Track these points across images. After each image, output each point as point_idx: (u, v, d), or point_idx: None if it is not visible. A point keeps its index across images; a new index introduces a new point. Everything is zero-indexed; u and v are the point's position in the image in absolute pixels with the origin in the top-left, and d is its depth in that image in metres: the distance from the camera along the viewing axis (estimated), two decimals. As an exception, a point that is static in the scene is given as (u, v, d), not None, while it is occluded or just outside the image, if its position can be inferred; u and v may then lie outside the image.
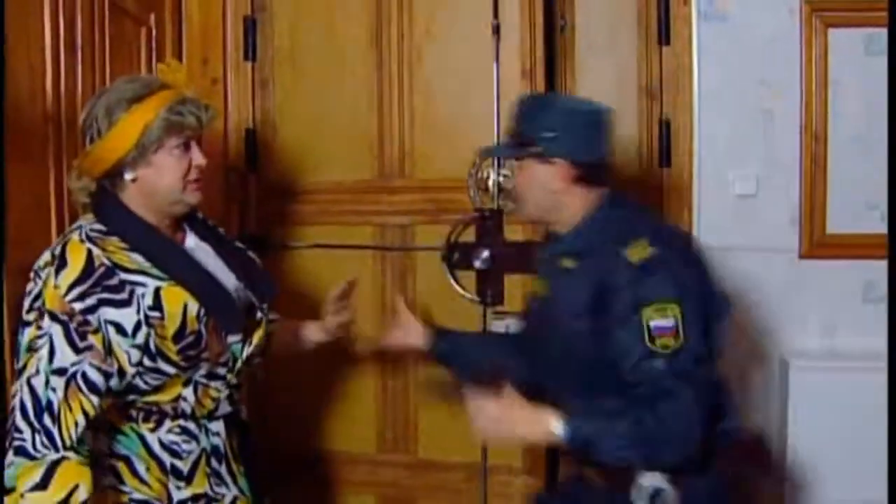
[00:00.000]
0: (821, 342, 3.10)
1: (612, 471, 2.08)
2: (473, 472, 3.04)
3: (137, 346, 2.03)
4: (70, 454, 1.91)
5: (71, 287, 1.99)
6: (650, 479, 2.09)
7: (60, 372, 1.94)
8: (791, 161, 3.07)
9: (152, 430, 2.17)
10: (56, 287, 1.98)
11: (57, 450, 1.90)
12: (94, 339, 1.98)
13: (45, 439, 1.90)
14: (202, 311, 2.09)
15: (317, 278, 3.07)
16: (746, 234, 3.10)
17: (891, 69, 2.67)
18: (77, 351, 1.96)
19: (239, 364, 2.22)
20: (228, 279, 2.22)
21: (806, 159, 3.05)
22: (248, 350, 2.23)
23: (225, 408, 2.25)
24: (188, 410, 2.18)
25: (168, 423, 2.18)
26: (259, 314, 2.27)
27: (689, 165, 3.10)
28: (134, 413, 2.16)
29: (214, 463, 2.24)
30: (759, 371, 3.13)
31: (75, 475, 1.91)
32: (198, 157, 2.14)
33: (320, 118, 3.18)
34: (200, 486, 2.22)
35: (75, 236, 2.06)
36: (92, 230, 2.08)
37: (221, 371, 2.20)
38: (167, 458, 2.18)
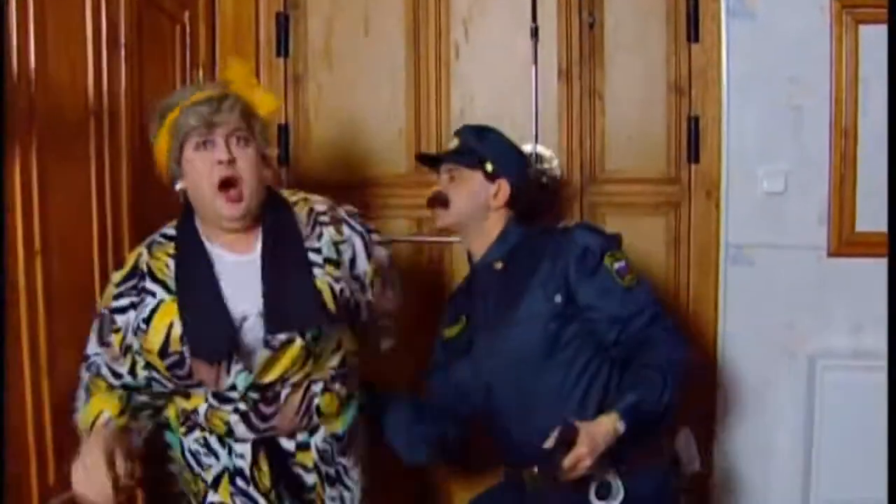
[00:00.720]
0: (848, 341, 3.08)
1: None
2: None
3: (138, 353, 2.13)
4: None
5: (116, 286, 2.17)
6: (601, 474, 2.24)
7: (86, 358, 2.18)
8: (820, 158, 3.05)
9: (184, 435, 2.24)
10: (110, 284, 2.19)
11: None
12: (113, 338, 2.13)
13: (82, 393, 2.18)
14: (184, 334, 2.09)
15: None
16: (775, 232, 3.09)
17: (891, 68, 2.68)
18: (101, 344, 2.17)
19: (239, 392, 2.13)
20: (243, 304, 2.11)
21: (835, 157, 3.03)
22: (246, 380, 2.12)
23: (243, 432, 2.18)
24: (205, 426, 2.21)
25: (197, 433, 2.23)
26: (275, 342, 2.12)
27: (718, 162, 3.08)
28: (178, 413, 2.24)
29: (240, 483, 2.22)
30: (785, 369, 3.12)
31: (99, 404, 2.14)
32: (220, 153, 2.08)
33: (354, 114, 3.21)
34: (225, 496, 2.24)
35: (148, 238, 2.22)
36: (163, 234, 2.22)
37: (231, 395, 2.15)
38: (193, 464, 2.25)
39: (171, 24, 2.85)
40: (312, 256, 2.18)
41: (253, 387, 2.13)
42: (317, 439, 2.24)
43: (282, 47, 3.23)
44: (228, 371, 2.11)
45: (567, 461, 2.08)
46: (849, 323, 3.08)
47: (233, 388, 2.14)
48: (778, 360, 3.12)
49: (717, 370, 3.14)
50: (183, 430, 2.25)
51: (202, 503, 2.27)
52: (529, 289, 2.40)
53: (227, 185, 2.09)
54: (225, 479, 2.23)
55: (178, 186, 2.16)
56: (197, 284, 2.12)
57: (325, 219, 2.25)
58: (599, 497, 2.23)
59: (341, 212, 2.31)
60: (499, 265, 2.50)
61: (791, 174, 3.06)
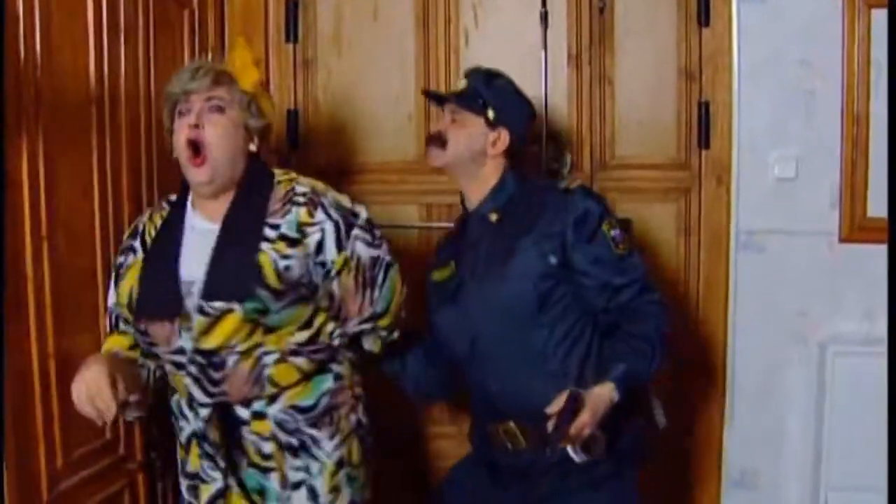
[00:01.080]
0: (859, 327, 3.07)
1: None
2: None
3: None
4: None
5: (122, 243, 2.35)
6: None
7: (107, 309, 2.36)
8: (832, 143, 3.03)
9: (170, 398, 2.37)
10: None
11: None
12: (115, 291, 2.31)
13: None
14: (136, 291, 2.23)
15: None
16: (786, 218, 3.07)
17: (891, 68, 2.70)
18: (115, 293, 2.31)
19: (186, 356, 2.20)
20: (194, 270, 2.18)
21: (847, 142, 3.01)
22: (190, 342, 2.18)
23: (199, 396, 2.24)
24: (175, 389, 2.32)
25: (176, 396, 2.34)
26: (210, 309, 2.16)
27: (728, 148, 3.07)
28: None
29: (207, 447, 2.27)
30: (796, 356, 3.11)
31: (111, 343, 2.30)
32: (191, 118, 2.18)
33: (364, 99, 3.21)
34: (194, 465, 2.31)
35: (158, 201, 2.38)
36: (167, 199, 2.36)
37: (178, 359, 2.22)
38: (176, 429, 2.38)
39: (179, 9, 2.84)
40: (267, 231, 2.21)
41: (198, 351, 2.19)
42: (274, 409, 2.25)
43: (291, 32, 3.22)
44: (179, 333, 2.18)
45: (574, 428, 2.13)
46: (860, 309, 3.07)
47: (182, 351, 2.20)
48: (789, 347, 3.12)
49: (728, 357, 3.14)
50: (170, 393, 2.36)
51: (183, 470, 2.36)
52: (524, 245, 2.38)
53: (194, 148, 2.18)
54: (194, 443, 2.30)
55: (174, 155, 2.24)
56: (161, 249, 2.24)
57: (300, 199, 2.26)
58: (585, 451, 2.24)
59: (324, 198, 2.30)
60: (494, 217, 2.47)
61: (802, 159, 3.05)
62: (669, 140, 3.12)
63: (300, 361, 2.26)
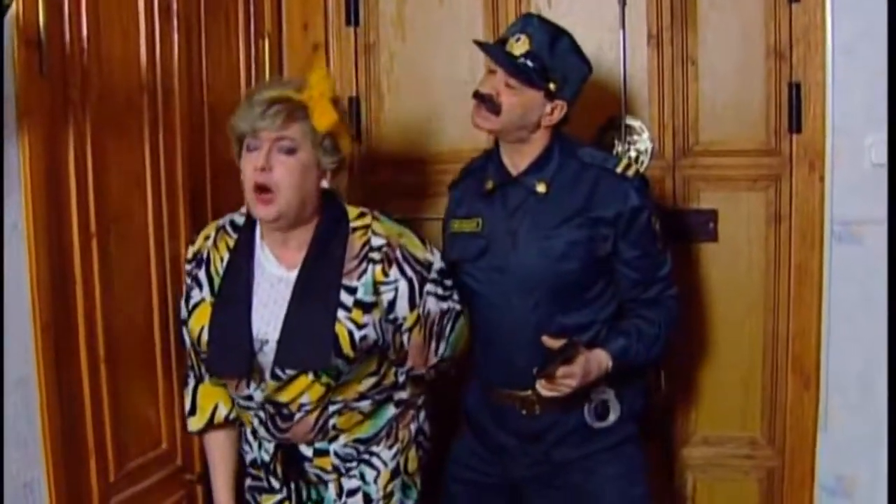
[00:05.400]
0: (963, 322, 2.88)
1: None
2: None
3: None
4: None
5: (187, 262, 2.33)
6: (598, 394, 2.41)
7: (181, 320, 2.31)
8: (935, 126, 2.84)
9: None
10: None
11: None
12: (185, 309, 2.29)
13: (188, 361, 2.36)
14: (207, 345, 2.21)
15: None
16: (884, 207, 2.86)
17: (891, 67, 2.60)
18: (186, 312, 2.29)
19: (255, 402, 2.23)
20: (267, 327, 2.18)
21: (951, 124, 2.82)
22: (260, 394, 2.21)
23: (266, 435, 2.28)
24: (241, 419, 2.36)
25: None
26: (283, 374, 2.18)
27: (821, 132, 2.90)
28: None
29: (269, 475, 2.34)
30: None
31: (211, 396, 2.32)
32: (259, 160, 2.11)
33: (430, 86, 3.11)
34: (259, 472, 2.38)
35: (221, 220, 2.33)
36: (232, 222, 2.32)
37: (247, 403, 2.25)
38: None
39: (233, -8, 2.78)
40: (344, 297, 2.19)
41: (268, 401, 2.22)
42: (336, 445, 2.29)
43: (352, 15, 3.12)
44: (247, 384, 2.22)
45: (561, 371, 2.23)
46: (964, 303, 2.87)
47: (251, 398, 2.24)
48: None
49: (822, 356, 2.97)
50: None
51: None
52: (574, 224, 2.38)
53: (261, 190, 2.14)
54: (258, 464, 2.37)
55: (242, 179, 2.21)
56: (233, 298, 2.21)
57: (375, 256, 2.23)
58: (598, 417, 2.39)
59: (399, 252, 2.26)
60: (541, 188, 2.42)
61: (903, 143, 2.86)
62: (758, 124, 2.96)
63: (364, 405, 2.29)
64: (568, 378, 2.25)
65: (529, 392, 2.37)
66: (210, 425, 2.32)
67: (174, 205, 2.39)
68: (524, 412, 2.44)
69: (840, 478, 3.02)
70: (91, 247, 2.08)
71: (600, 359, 2.32)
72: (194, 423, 2.33)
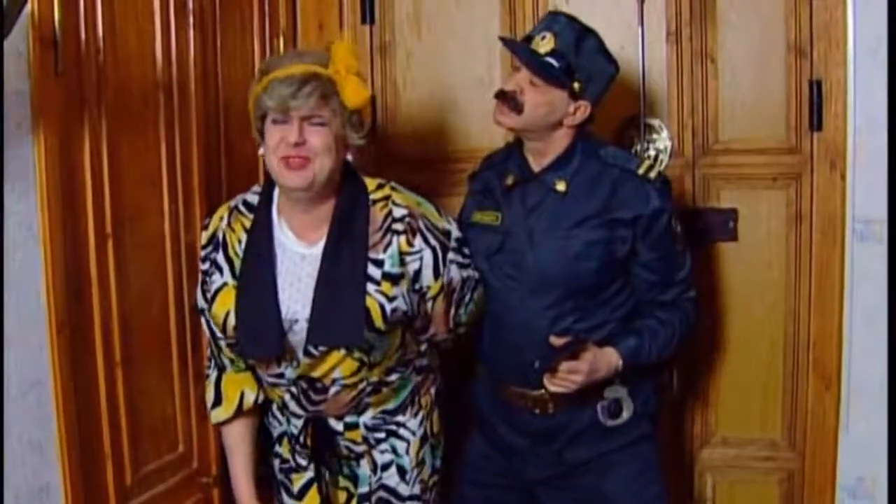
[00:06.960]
0: None
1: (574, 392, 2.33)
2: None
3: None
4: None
5: (202, 248, 2.31)
6: (612, 392, 2.40)
7: (200, 310, 2.30)
8: (960, 124, 2.81)
9: (266, 397, 2.39)
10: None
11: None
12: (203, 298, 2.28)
13: (208, 352, 2.38)
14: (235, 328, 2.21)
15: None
16: (908, 204, 2.86)
17: (891, 66, 2.57)
18: (205, 302, 2.28)
19: (288, 380, 2.24)
20: (295, 306, 2.19)
21: (975, 122, 2.79)
22: (293, 372, 2.22)
23: (294, 409, 2.31)
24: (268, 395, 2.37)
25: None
26: (315, 351, 2.20)
27: (843, 130, 2.85)
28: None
29: (298, 447, 2.34)
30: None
31: (237, 382, 2.32)
32: (291, 135, 2.10)
33: (446, 84, 3.07)
34: (286, 453, 2.39)
35: (233, 201, 2.32)
36: (245, 201, 2.30)
37: (279, 381, 2.27)
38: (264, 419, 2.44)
39: (248, -11, 2.76)
40: (371, 270, 2.20)
41: (302, 377, 2.24)
42: (365, 417, 2.34)
43: (367, 13, 3.10)
44: (279, 363, 2.23)
45: (565, 366, 2.25)
46: None
47: (283, 376, 2.25)
48: (908, 346, 2.90)
49: (844, 356, 2.92)
50: (264, 392, 2.40)
51: (274, 451, 2.44)
52: (593, 224, 2.37)
53: (294, 155, 2.14)
54: (286, 440, 2.38)
55: (260, 152, 2.21)
56: (257, 280, 2.20)
57: (399, 227, 2.24)
58: (611, 416, 2.39)
59: (421, 221, 2.27)
60: (561, 186, 2.40)
61: (927, 142, 2.82)
62: (778, 122, 2.92)
63: (393, 378, 2.33)
64: (573, 373, 2.27)
65: (542, 391, 2.37)
66: (239, 412, 2.32)
67: (190, 203, 2.37)
68: (537, 411, 2.44)
69: (861, 479, 2.97)
70: (107, 247, 2.07)
71: (609, 357, 2.33)
72: (221, 413, 2.32)
